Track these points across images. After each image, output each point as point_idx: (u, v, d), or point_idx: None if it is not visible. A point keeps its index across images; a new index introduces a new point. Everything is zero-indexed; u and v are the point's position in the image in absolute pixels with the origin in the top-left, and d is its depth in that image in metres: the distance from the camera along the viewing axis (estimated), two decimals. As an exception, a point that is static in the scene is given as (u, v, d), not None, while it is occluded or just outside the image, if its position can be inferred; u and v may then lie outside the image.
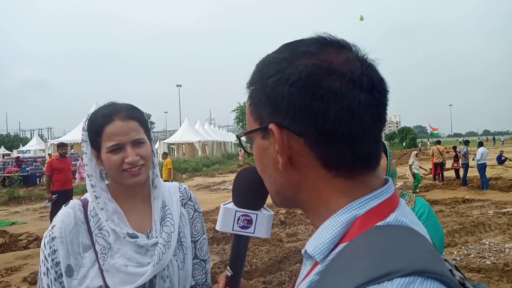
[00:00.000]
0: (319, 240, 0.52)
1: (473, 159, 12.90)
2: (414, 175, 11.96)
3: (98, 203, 1.13)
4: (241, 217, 0.76)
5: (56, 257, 1.09)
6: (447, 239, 6.30)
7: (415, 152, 12.87)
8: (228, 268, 0.81)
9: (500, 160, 18.94)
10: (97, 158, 1.16)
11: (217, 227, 0.78)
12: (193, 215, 1.31)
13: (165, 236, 1.16)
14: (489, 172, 13.05)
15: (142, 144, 1.15)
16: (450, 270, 0.48)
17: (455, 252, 5.67)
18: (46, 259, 1.10)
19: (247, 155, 0.61)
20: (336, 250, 0.50)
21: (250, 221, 0.76)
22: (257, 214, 0.76)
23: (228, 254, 5.66)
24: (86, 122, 1.17)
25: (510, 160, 19.11)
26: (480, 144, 13.16)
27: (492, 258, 5.35)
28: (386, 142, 1.83)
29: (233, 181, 0.79)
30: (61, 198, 7.31)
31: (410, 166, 12.08)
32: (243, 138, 0.65)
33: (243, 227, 0.76)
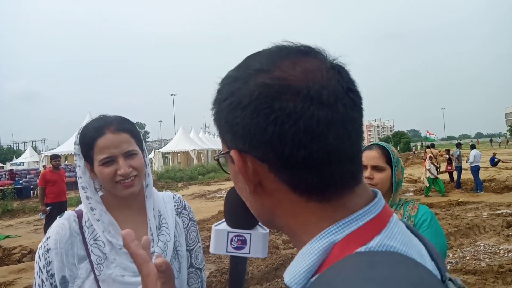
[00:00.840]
0: (296, 269, 0.47)
1: (466, 162, 13.01)
2: (427, 179, 11.70)
3: (94, 214, 1.14)
4: (234, 237, 0.72)
5: (51, 269, 1.09)
6: (443, 242, 6.34)
7: (430, 155, 12.44)
8: None
9: (493, 162, 19.12)
10: (90, 171, 1.18)
11: (211, 250, 0.75)
12: (188, 224, 1.32)
13: (161, 245, 1.17)
14: (482, 174, 13.15)
15: (134, 156, 1.17)
16: None
17: (451, 255, 5.70)
18: (41, 271, 1.10)
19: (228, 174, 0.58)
20: (312, 280, 0.45)
21: (244, 241, 0.72)
22: (251, 234, 0.72)
23: (224, 263, 5.66)
24: (78, 136, 1.18)
25: (503, 162, 19.31)
26: (473, 147, 13.29)
27: (487, 260, 5.38)
28: (394, 149, 1.82)
29: (224, 198, 0.76)
30: (55, 210, 7.26)
31: (429, 170, 11.69)
32: (222, 160, 0.58)
33: (237, 248, 0.72)
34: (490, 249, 5.83)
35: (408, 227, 0.52)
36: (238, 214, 0.71)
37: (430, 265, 0.47)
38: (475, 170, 12.15)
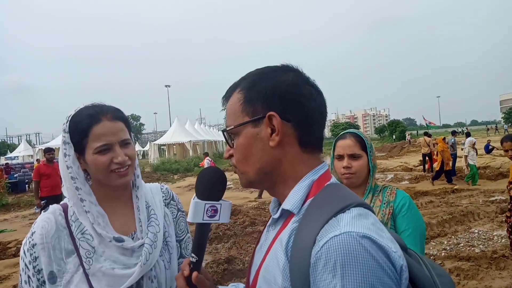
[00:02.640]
0: (294, 198, 0.75)
1: (462, 149, 13.06)
2: (468, 166, 11.23)
3: (84, 206, 1.11)
4: (209, 208, 0.89)
5: (37, 264, 1.07)
6: (437, 229, 6.39)
7: (473, 140, 11.81)
8: (193, 254, 0.91)
9: (488, 149, 19.23)
10: (79, 161, 1.14)
11: (189, 219, 0.90)
12: (176, 215, 1.31)
13: (151, 236, 1.15)
14: (477, 161, 13.22)
15: (129, 145, 1.16)
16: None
17: (445, 242, 5.75)
18: (27, 267, 1.07)
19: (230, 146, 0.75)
20: (306, 204, 0.74)
21: (216, 211, 0.90)
22: (221, 204, 0.90)
23: (220, 253, 5.68)
24: (67, 124, 1.13)
25: (497, 149, 19.42)
26: (468, 135, 13.33)
27: (481, 246, 5.45)
28: (367, 137, 1.82)
29: (196, 180, 0.92)
30: (50, 203, 7.17)
31: (466, 156, 11.34)
32: (226, 133, 0.83)
33: (211, 216, 0.89)
34: (484, 236, 5.89)
35: None
36: (212, 189, 0.90)
37: None
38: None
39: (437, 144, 13.85)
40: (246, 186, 0.85)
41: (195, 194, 0.91)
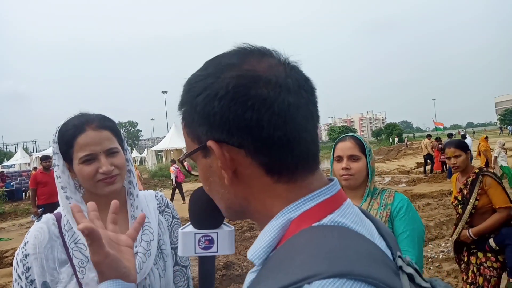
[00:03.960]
0: (258, 245, 0.53)
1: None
2: (501, 168, 10.14)
3: None
4: (201, 238, 0.75)
5: (30, 275, 1.06)
6: (435, 231, 6.40)
7: (502, 141, 11.01)
8: None
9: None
10: (69, 170, 1.15)
11: (179, 253, 0.78)
12: (171, 222, 1.30)
13: (144, 245, 1.15)
14: (474, 163, 13.27)
15: (116, 154, 1.14)
16: (401, 267, 0.48)
17: (443, 244, 5.76)
18: (20, 278, 1.07)
19: (190, 176, 0.63)
20: (272, 254, 0.52)
21: (211, 241, 0.76)
22: (217, 233, 0.76)
23: (218, 259, 5.66)
24: (56, 134, 1.14)
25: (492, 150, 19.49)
26: (463, 137, 13.39)
27: (479, 248, 5.45)
28: (366, 141, 1.86)
29: (189, 200, 0.78)
30: (47, 212, 7.12)
31: (496, 158, 10.41)
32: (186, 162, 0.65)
33: (205, 248, 0.75)
34: (481, 237, 5.89)
35: (362, 211, 0.58)
36: (204, 215, 0.74)
37: (379, 242, 0.53)
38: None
39: (440, 146, 13.68)
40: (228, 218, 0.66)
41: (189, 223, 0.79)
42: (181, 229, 0.78)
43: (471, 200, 2.94)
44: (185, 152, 0.61)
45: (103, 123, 1.15)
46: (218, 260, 5.62)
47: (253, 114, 0.50)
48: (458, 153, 3.07)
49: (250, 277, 0.54)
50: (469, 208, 2.95)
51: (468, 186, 2.98)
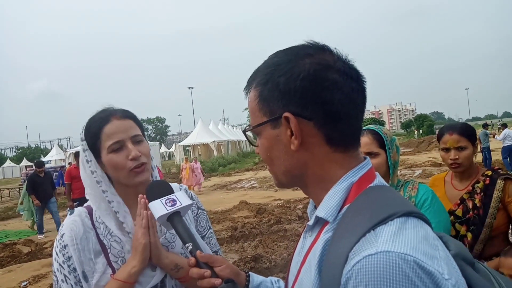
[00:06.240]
0: (329, 205, 0.67)
1: (494, 137, 12.33)
2: None
3: (112, 207, 1.15)
4: (166, 201, 0.99)
5: (71, 263, 1.10)
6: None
7: None
8: (186, 245, 0.94)
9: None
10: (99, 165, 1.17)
11: (156, 217, 0.98)
12: (197, 213, 1.33)
13: (168, 236, 1.18)
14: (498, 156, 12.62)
15: (141, 142, 1.18)
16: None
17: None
18: (62, 267, 1.11)
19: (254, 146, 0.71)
20: (342, 211, 0.65)
21: (174, 200, 1.00)
22: (175, 194, 1.03)
23: (247, 252, 5.70)
24: (83, 132, 1.18)
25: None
26: (504, 126, 12.73)
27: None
28: (386, 131, 1.75)
29: (146, 191, 1.07)
30: (82, 205, 7.43)
31: None
32: (249, 133, 0.78)
33: (173, 205, 0.98)
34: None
35: None
36: (159, 191, 1.03)
37: None
38: (505, 150, 11.62)
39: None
40: (278, 187, 0.79)
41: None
42: (150, 203, 1.01)
43: (488, 219, 1.85)
44: (249, 130, 0.76)
45: (126, 113, 1.20)
46: (246, 253, 5.68)
47: (327, 93, 0.65)
48: (463, 143, 1.94)
49: (324, 237, 0.65)
50: (485, 231, 1.86)
51: (477, 196, 1.90)
